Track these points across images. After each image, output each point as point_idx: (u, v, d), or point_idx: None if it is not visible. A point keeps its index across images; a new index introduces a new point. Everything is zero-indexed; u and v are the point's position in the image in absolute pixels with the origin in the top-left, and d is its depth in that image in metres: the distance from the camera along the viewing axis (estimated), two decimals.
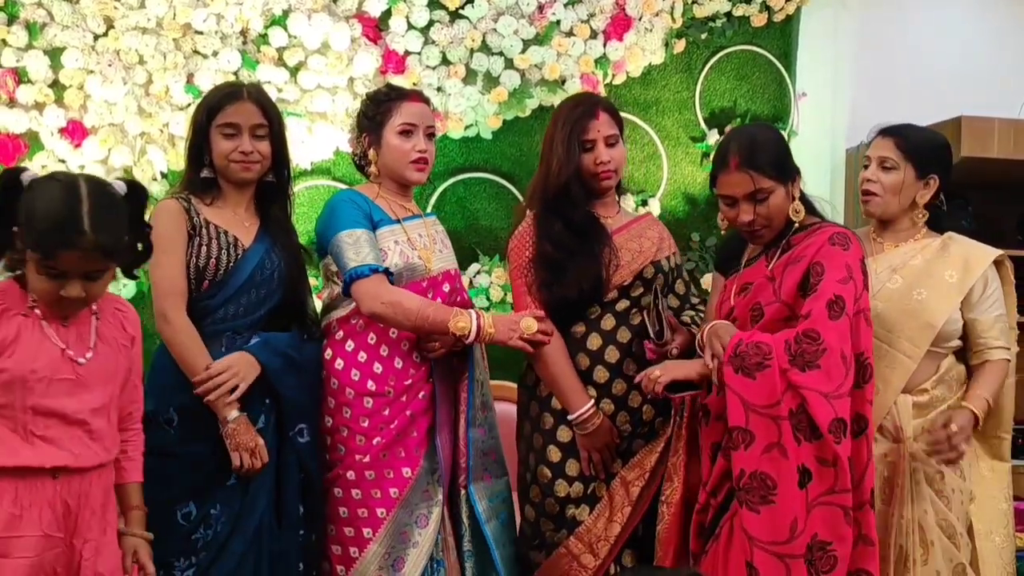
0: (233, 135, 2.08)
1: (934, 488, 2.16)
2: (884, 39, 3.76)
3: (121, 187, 1.69)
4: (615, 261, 2.28)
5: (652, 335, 2.19)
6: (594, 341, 2.26)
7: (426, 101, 2.32)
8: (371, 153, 2.28)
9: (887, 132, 2.28)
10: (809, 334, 1.89)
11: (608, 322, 2.27)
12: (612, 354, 2.25)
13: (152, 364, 2.11)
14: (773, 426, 1.88)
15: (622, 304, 2.28)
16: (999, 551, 2.19)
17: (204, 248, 2.06)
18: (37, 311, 1.67)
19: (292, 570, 2.09)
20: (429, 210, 3.10)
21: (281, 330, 2.16)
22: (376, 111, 2.26)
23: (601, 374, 2.25)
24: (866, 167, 2.28)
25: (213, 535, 2.00)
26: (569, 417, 2.23)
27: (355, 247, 2.14)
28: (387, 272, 2.16)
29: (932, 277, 2.20)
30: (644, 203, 3.39)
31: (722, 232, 2.24)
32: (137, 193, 1.72)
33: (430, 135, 2.28)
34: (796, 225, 2.06)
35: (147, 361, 2.13)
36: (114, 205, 1.64)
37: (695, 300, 2.43)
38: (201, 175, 2.12)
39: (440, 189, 3.25)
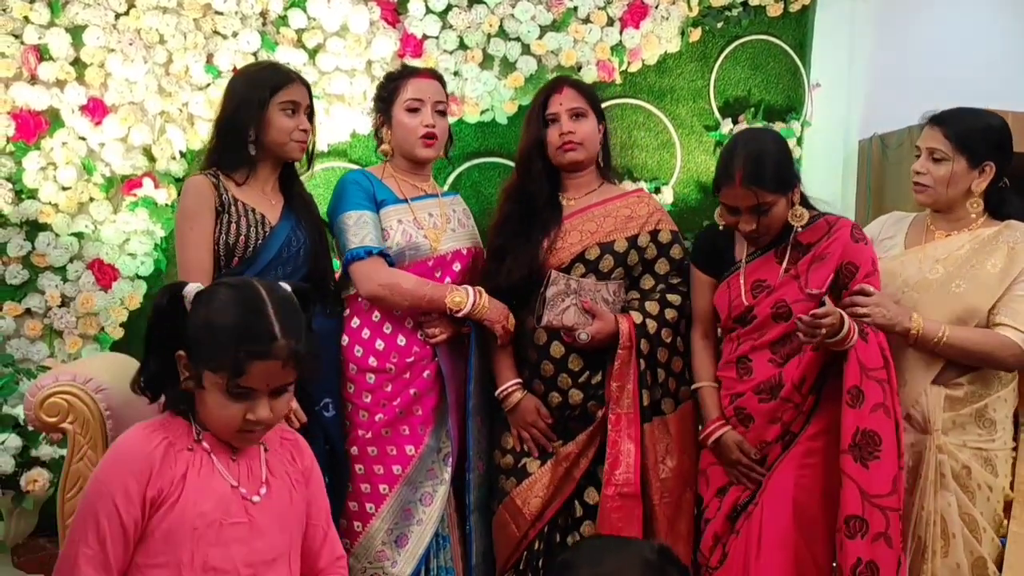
0: (294, 113, 2.11)
1: (960, 483, 2.12)
2: (900, 31, 3.77)
3: (288, 288, 1.47)
4: (556, 245, 2.27)
5: (535, 316, 2.22)
6: (527, 323, 2.28)
7: (437, 78, 2.33)
8: (383, 131, 2.31)
9: (936, 121, 2.18)
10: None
11: (540, 305, 2.26)
12: (541, 336, 2.26)
13: None
14: (879, 388, 2.01)
15: None
16: None
17: (233, 225, 2.08)
18: (204, 443, 1.44)
19: None
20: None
21: None
22: (386, 89, 2.30)
23: (532, 355, 2.28)
24: (918, 157, 2.20)
25: None
26: (496, 393, 2.29)
27: (354, 229, 2.18)
28: (384, 254, 2.19)
29: (974, 268, 2.13)
30: (657, 191, 3.41)
31: (720, 228, 2.24)
32: (305, 296, 1.49)
33: (440, 111, 2.29)
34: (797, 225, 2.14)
35: None
36: (294, 305, 1.43)
37: (676, 281, 2.32)
38: (249, 151, 2.11)
39: (455, 173, 3.27)
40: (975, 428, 2.15)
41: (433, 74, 2.33)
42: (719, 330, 2.30)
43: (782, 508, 2.08)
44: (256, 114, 2.09)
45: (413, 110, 2.25)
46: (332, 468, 2.16)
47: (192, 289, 1.41)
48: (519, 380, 2.28)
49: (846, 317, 2.00)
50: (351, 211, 2.20)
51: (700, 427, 2.30)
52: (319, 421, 2.13)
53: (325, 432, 2.15)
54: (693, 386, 2.28)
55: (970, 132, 2.14)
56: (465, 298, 2.17)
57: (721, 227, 2.23)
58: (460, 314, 2.17)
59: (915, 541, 2.12)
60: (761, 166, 2.05)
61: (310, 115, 2.18)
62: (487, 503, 2.35)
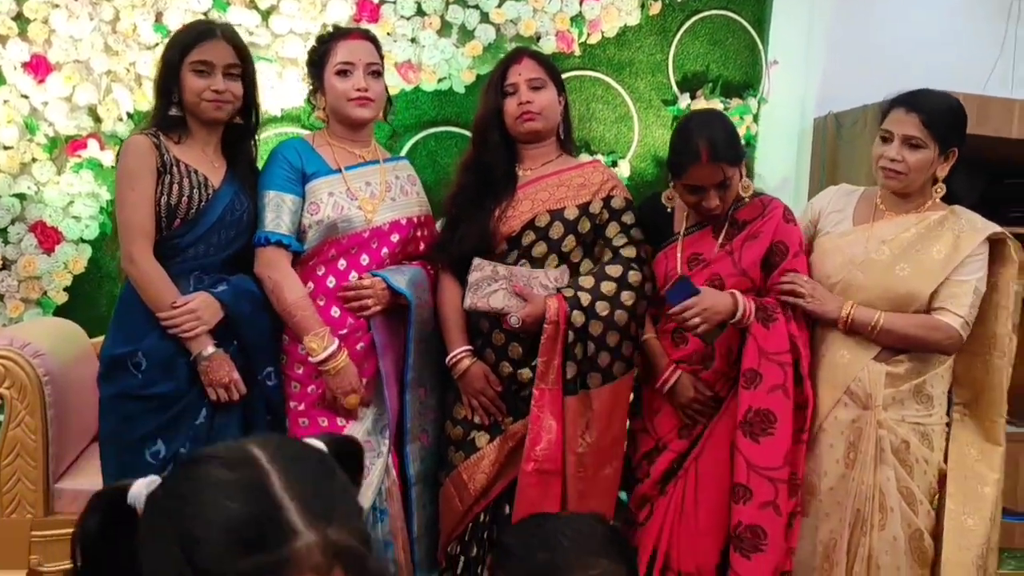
0: (206, 73, 2.06)
1: (899, 457, 2.17)
2: (857, 11, 3.79)
3: (318, 445, 0.87)
4: (507, 214, 2.26)
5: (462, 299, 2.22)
6: None
7: (371, 39, 2.27)
8: (318, 97, 2.27)
9: (909, 106, 2.14)
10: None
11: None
12: None
13: (118, 305, 2.10)
14: (780, 370, 2.14)
15: (511, 256, 2.28)
16: (969, 533, 2.18)
17: (176, 186, 2.04)
18: None
19: None
20: None
21: (247, 271, 2.16)
22: (317, 53, 2.26)
23: (483, 324, 2.27)
24: (885, 140, 2.17)
25: None
26: (446, 360, 2.27)
27: (270, 210, 2.15)
28: (285, 244, 2.15)
29: (919, 253, 2.16)
30: (614, 164, 3.40)
31: (668, 210, 2.31)
32: (353, 454, 0.93)
33: (374, 72, 2.24)
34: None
35: (111, 303, 2.13)
36: (322, 469, 0.83)
37: (621, 243, 2.27)
38: (170, 112, 2.08)
39: (411, 142, 3.23)
40: (914, 404, 2.20)
41: (365, 35, 2.27)
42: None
43: (720, 472, 2.19)
44: (174, 75, 2.06)
45: (344, 73, 2.20)
46: None
47: (141, 490, 0.83)
48: (469, 347, 2.27)
49: (740, 300, 2.14)
50: (270, 190, 2.17)
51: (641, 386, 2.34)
52: (262, 390, 2.12)
53: (268, 401, 2.13)
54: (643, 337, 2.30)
55: (942, 118, 2.15)
56: (319, 348, 2.10)
57: (669, 210, 2.31)
58: (310, 360, 2.12)
59: (854, 514, 2.17)
60: (723, 143, 2.14)
61: (244, 76, 2.12)
62: (435, 475, 2.34)
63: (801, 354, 2.17)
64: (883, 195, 2.28)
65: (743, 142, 3.40)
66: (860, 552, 2.17)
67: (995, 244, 2.20)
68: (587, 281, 2.22)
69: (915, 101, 2.15)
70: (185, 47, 2.06)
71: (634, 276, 2.23)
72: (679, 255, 2.27)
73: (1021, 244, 2.99)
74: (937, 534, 2.20)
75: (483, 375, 2.24)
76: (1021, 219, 3.54)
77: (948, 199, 2.24)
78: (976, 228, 2.19)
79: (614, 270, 2.23)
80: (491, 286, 2.20)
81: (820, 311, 2.18)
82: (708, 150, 2.11)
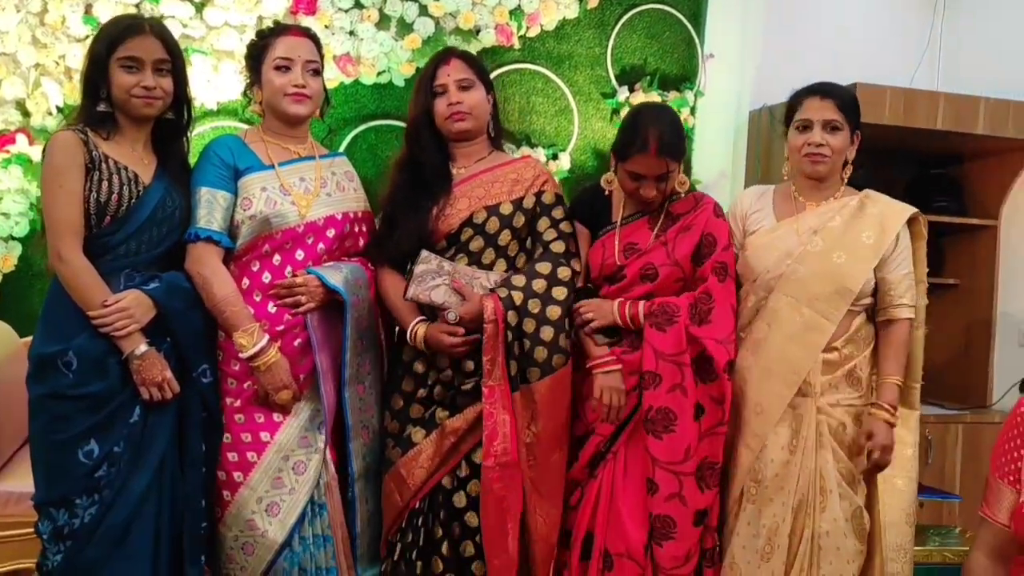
0: (135, 69, 2.03)
1: (837, 439, 2.25)
2: (790, 5, 3.88)
3: None
4: (445, 212, 2.30)
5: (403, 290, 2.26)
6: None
7: (311, 37, 2.28)
8: (255, 91, 2.27)
9: (824, 93, 2.30)
10: (707, 292, 2.29)
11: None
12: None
13: (46, 302, 2.06)
14: (677, 370, 2.24)
15: (450, 252, 2.32)
16: (900, 494, 2.30)
17: (105, 183, 2.01)
18: None
19: (195, 507, 2.11)
20: None
21: (180, 268, 2.14)
22: (256, 48, 2.26)
23: (425, 312, 2.29)
24: (806, 128, 2.30)
25: (116, 472, 2.00)
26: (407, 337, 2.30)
27: (203, 207, 2.15)
28: (216, 241, 2.14)
29: (850, 239, 2.27)
30: (555, 157, 3.43)
31: (606, 193, 2.40)
32: None
33: (313, 71, 2.25)
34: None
35: (43, 301, 2.09)
36: None
37: (551, 238, 2.34)
38: (98, 108, 2.05)
39: (351, 135, 3.22)
40: (847, 387, 2.29)
41: (305, 32, 2.28)
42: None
43: (645, 459, 2.26)
44: (101, 70, 2.03)
45: (282, 68, 2.20)
46: (208, 434, 2.14)
47: None
48: (422, 317, 2.28)
49: (624, 311, 2.27)
50: (203, 187, 2.16)
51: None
52: (196, 387, 2.11)
53: (203, 398, 2.12)
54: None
55: (851, 103, 2.32)
56: (250, 343, 2.10)
57: (607, 193, 2.40)
58: (240, 356, 2.11)
59: (799, 499, 2.24)
60: (672, 138, 2.24)
61: (174, 71, 2.09)
62: (376, 470, 2.35)
63: (715, 355, 2.23)
64: (798, 187, 2.39)
65: None
66: (805, 534, 2.24)
67: (909, 222, 2.34)
68: (519, 280, 2.26)
69: (826, 89, 2.32)
70: (112, 42, 2.02)
71: (563, 272, 2.29)
72: (616, 244, 2.36)
73: (945, 229, 3.11)
74: (870, 505, 2.29)
75: (438, 331, 2.24)
76: (946, 208, 3.68)
77: (853, 185, 2.38)
78: (896, 210, 2.33)
79: (543, 267, 2.29)
80: (434, 280, 2.23)
81: (892, 439, 2.22)
82: (657, 143, 2.20)
